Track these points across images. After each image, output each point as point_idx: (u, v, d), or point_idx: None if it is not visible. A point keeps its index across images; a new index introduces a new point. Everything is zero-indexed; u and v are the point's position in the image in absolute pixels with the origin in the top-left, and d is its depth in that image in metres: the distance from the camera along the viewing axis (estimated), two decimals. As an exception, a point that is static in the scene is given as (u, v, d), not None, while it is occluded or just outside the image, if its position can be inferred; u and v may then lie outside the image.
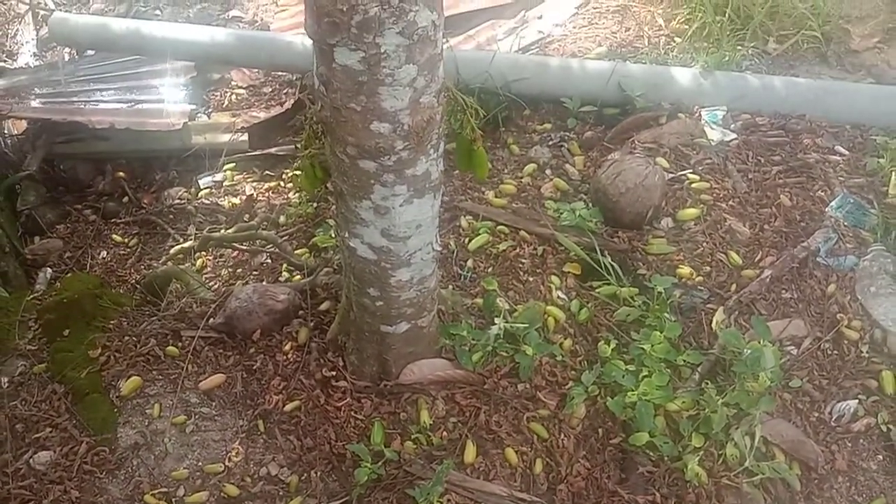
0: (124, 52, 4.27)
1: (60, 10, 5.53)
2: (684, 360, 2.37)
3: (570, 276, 2.74)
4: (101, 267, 3.91)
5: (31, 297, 3.12)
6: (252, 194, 3.99)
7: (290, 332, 2.63)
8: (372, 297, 2.15)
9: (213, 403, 2.45)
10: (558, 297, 2.64)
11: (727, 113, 3.22)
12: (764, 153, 3.10)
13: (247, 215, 3.86)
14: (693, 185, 2.98)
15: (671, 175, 3.02)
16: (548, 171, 3.25)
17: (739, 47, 3.53)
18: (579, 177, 3.18)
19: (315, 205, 3.59)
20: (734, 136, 3.14)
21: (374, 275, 2.06)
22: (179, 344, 2.60)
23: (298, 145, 4.14)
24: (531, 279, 2.72)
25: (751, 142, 3.13)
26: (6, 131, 4.65)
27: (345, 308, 2.42)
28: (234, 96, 4.63)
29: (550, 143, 3.36)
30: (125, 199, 4.32)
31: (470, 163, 1.91)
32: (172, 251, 3.70)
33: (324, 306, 2.73)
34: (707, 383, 2.30)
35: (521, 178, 3.23)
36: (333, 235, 3.02)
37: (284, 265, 3.21)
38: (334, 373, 2.45)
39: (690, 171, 3.04)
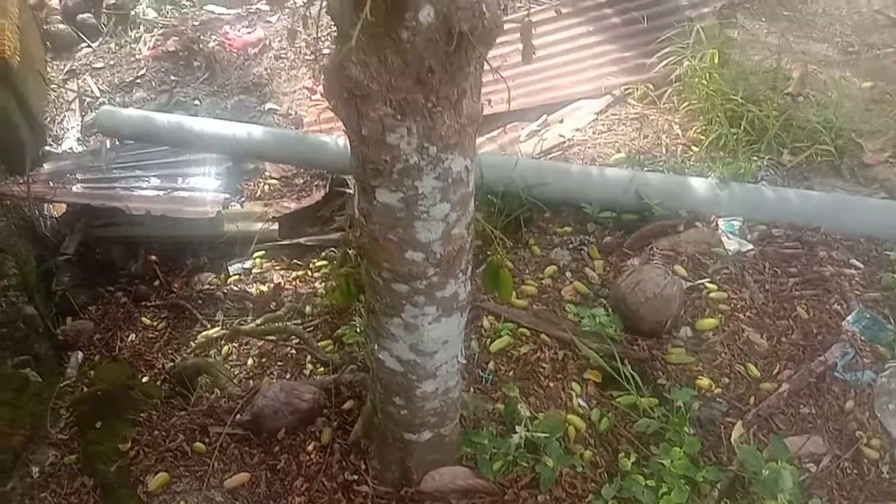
0: (166, 145, 4.49)
1: (105, 97, 5.87)
2: (703, 477, 2.38)
3: (591, 383, 2.79)
4: (129, 350, 4.00)
5: (64, 383, 3.22)
6: (280, 283, 4.12)
7: (314, 431, 2.68)
8: (397, 406, 2.21)
9: (237, 503, 2.48)
10: (579, 404, 2.69)
11: (744, 223, 3.32)
12: (780, 264, 3.17)
13: (273, 303, 3.97)
14: (711, 295, 3.05)
15: (689, 284, 3.10)
16: (568, 274, 3.34)
17: (755, 158, 3.66)
18: (599, 281, 3.27)
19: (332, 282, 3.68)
20: (751, 246, 3.24)
21: (401, 385, 2.13)
22: (207, 440, 2.66)
23: (327, 236, 4.35)
24: (552, 385, 2.77)
25: (767, 253, 3.21)
26: (46, 213, 4.87)
27: (369, 412, 2.48)
28: (266, 186, 4.84)
29: (570, 246, 3.47)
30: (156, 282, 4.46)
31: (496, 284, 2.02)
32: (200, 338, 3.80)
33: (347, 405, 2.79)
34: (726, 502, 2.31)
35: (542, 279, 3.32)
36: (359, 331, 3.11)
37: (309, 357, 3.29)
38: (356, 476, 2.49)
39: (708, 280, 3.12)
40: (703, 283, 3.10)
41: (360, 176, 1.64)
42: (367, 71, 1.40)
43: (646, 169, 3.74)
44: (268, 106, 5.53)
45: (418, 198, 1.63)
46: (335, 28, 1.49)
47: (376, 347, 2.09)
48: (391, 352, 2.05)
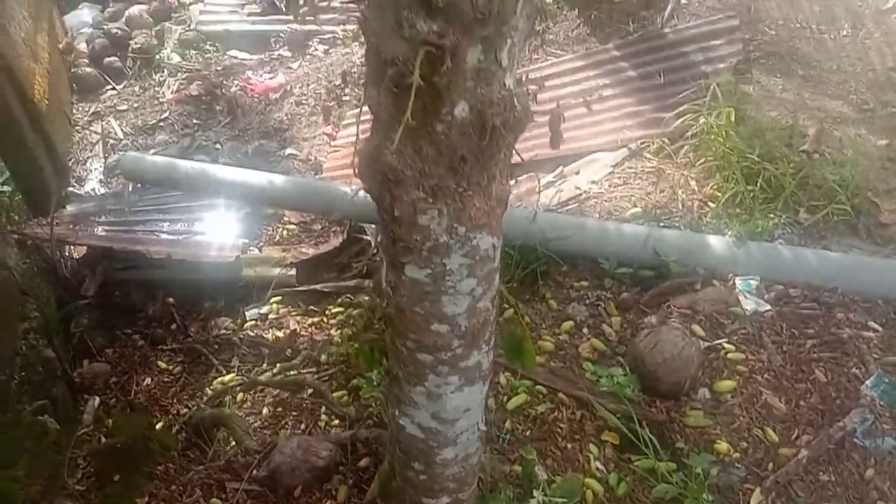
0: (189, 191, 4.56)
1: (128, 139, 5.99)
2: (723, 548, 2.36)
3: (609, 446, 2.78)
4: (144, 394, 4.02)
5: (81, 431, 3.24)
6: (296, 329, 4.14)
7: (330, 489, 2.68)
8: (416, 471, 2.21)
9: (252, 562, 2.48)
10: (596, 468, 2.68)
11: (761, 282, 3.33)
12: (798, 325, 3.17)
13: (289, 350, 3.99)
14: (729, 356, 3.05)
15: (707, 344, 3.10)
16: (585, 330, 3.34)
17: (771, 216, 3.68)
18: (616, 338, 3.27)
19: (355, 345, 3.71)
20: (768, 306, 3.24)
21: (421, 451, 2.14)
22: (223, 496, 2.67)
23: (344, 283, 4.39)
24: (569, 446, 2.77)
25: (784, 313, 3.22)
26: (68, 254, 4.94)
27: (386, 474, 2.48)
28: (285, 231, 4.90)
29: (587, 301, 3.48)
30: (173, 326, 4.49)
31: (520, 355, 2.04)
32: (215, 384, 3.82)
33: (363, 462, 2.80)
34: (747, 574, 2.28)
35: (559, 334, 3.34)
36: (376, 384, 3.12)
37: (323, 408, 3.30)
38: (373, 538, 2.48)
39: (726, 340, 3.13)
40: (720, 344, 3.11)
41: (390, 251, 1.67)
42: (401, 159, 1.44)
43: (662, 224, 3.77)
44: (288, 151, 5.63)
45: (446, 274, 1.66)
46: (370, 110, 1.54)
47: (397, 413, 2.10)
48: (412, 419, 2.06)
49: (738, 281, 3.35)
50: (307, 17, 6.83)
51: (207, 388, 3.85)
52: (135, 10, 7.33)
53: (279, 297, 4.39)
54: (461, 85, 1.34)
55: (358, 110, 5.22)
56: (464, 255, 1.63)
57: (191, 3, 7.33)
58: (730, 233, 3.60)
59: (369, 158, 1.50)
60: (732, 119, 4.01)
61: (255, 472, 2.73)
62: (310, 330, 4.15)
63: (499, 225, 1.66)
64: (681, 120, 4.25)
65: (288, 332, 4.13)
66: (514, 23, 1.34)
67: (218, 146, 5.73)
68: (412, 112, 1.28)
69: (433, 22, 1.24)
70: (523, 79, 1.46)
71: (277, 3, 7.04)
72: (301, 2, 6.97)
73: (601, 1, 5.61)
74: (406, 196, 1.50)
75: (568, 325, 3.36)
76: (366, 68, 1.45)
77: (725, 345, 3.10)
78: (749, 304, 3.25)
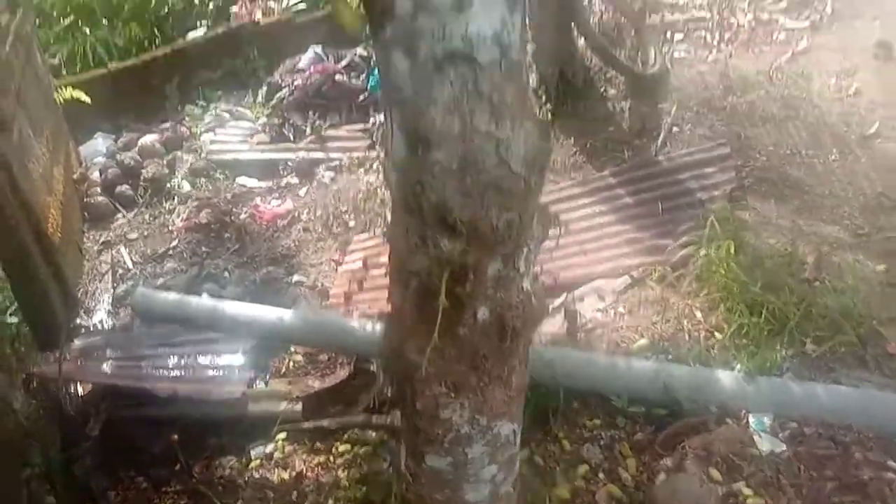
0: (199, 328, 4.60)
1: (137, 268, 6.09)
2: None
3: None
4: (147, 545, 3.90)
5: None
6: (301, 470, 4.06)
7: None
8: None
9: None
10: None
11: (774, 420, 3.30)
12: (816, 467, 3.12)
13: (295, 492, 3.90)
14: (748, 502, 2.98)
15: (724, 488, 3.04)
16: (601, 475, 3.29)
17: (778, 348, 3.69)
18: (633, 483, 3.21)
19: (363, 488, 3.64)
20: (784, 446, 3.20)
21: None
22: None
23: (351, 418, 4.34)
24: None
25: (801, 454, 3.17)
26: (73, 391, 4.90)
27: None
28: (291, 363, 4.88)
29: (601, 442, 3.44)
30: (177, 466, 4.40)
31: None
32: (220, 532, 3.72)
33: None
34: None
35: (574, 479, 3.27)
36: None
37: (333, 562, 3.20)
38: None
39: (744, 483, 3.06)
40: (739, 488, 3.04)
41: (411, 440, 1.68)
42: (424, 358, 1.48)
43: (670, 357, 3.78)
44: (295, 278, 5.69)
45: (467, 462, 1.66)
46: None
47: (417, 592, 2.03)
48: None
49: (751, 419, 3.32)
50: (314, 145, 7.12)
51: (212, 537, 3.74)
52: (147, 139, 7.60)
53: (284, 434, 4.33)
54: (482, 293, 1.40)
55: (363, 235, 5.28)
56: (485, 443, 1.64)
57: (202, 133, 7.62)
58: (738, 366, 3.61)
59: (393, 355, 1.54)
60: (732, 251, 4.10)
61: None
62: (316, 471, 4.07)
63: (519, 411, 1.68)
64: (683, 251, 4.35)
65: (294, 473, 4.05)
66: (531, 233, 1.42)
67: (226, 274, 5.79)
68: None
69: (456, 242, 1.31)
70: (538, 275, 1.52)
71: (286, 132, 7.34)
72: (308, 131, 7.25)
73: (596, 130, 5.88)
74: (428, 391, 1.53)
75: (583, 469, 3.31)
76: (390, 271, 1.51)
77: (744, 489, 3.03)
78: (764, 445, 3.20)
